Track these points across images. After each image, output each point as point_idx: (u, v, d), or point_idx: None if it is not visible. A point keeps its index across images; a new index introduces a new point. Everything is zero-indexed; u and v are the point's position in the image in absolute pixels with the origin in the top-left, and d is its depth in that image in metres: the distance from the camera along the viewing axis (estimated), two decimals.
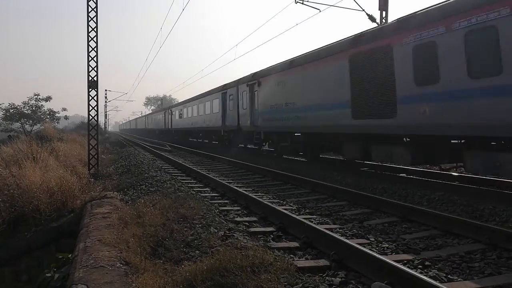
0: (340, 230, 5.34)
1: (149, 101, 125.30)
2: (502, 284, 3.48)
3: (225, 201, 7.54)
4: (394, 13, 38.75)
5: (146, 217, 5.75)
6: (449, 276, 3.67)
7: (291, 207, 6.89)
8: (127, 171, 12.81)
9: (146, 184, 9.50)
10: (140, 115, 79.70)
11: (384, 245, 4.65)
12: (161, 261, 4.27)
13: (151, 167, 12.84)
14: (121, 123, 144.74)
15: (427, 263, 4.00)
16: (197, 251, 4.43)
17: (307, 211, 6.65)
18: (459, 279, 3.63)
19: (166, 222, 5.48)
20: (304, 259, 4.26)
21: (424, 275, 3.45)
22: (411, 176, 9.93)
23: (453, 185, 8.36)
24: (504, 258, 4.16)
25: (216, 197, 7.92)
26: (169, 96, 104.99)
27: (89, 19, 12.63)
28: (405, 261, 4.05)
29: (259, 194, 8.20)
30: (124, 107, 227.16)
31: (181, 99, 47.13)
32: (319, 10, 16.31)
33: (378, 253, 4.10)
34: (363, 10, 16.32)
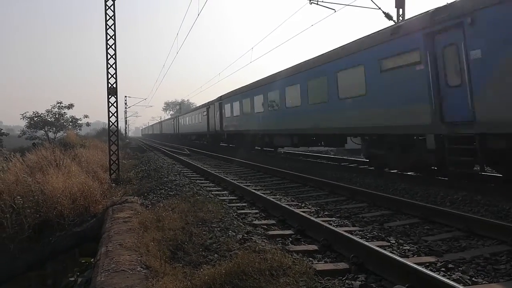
0: (360, 233, 5.27)
1: (167, 106, 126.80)
2: None
3: (243, 204, 7.56)
4: (411, 10, 38.04)
5: (166, 221, 5.82)
6: (473, 278, 3.57)
7: (310, 210, 6.85)
8: (147, 175, 13.00)
9: (166, 188, 9.62)
10: (159, 120, 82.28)
11: (406, 248, 4.56)
12: (181, 265, 4.31)
13: (170, 172, 12.99)
14: (142, 127, 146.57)
15: (450, 265, 3.90)
16: (215, 255, 4.45)
17: (326, 213, 6.60)
18: (484, 281, 3.53)
19: (185, 226, 5.53)
20: (323, 262, 4.22)
21: (447, 278, 3.36)
22: (433, 176, 9.72)
23: (476, 184, 8.14)
24: None
25: (234, 200, 7.95)
26: (187, 100, 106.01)
27: (107, 27, 12.90)
28: (427, 264, 3.96)
29: (277, 196, 8.18)
30: (143, 112, 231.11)
31: (199, 103, 48.73)
32: (334, 10, 16.20)
33: (399, 256, 4.03)
34: (379, 8, 16.13)
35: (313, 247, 4.70)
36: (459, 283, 3.31)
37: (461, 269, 3.82)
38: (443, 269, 3.83)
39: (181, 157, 19.30)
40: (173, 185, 9.94)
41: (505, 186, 7.70)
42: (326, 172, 11.37)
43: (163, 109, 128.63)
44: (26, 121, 35.51)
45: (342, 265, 4.00)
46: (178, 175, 11.98)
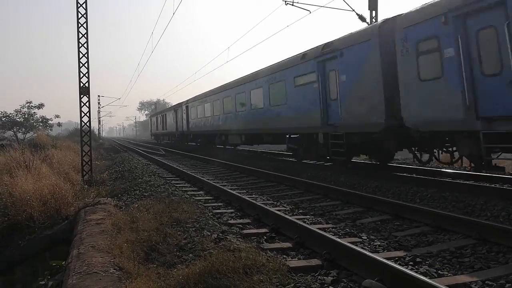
0: (333, 230, 5.37)
1: (142, 106, 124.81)
2: (491, 278, 3.53)
3: (219, 204, 7.55)
4: (384, 13, 39.10)
5: (140, 222, 5.75)
6: (439, 271, 3.72)
7: (285, 208, 6.92)
8: (121, 176, 12.78)
9: (140, 189, 9.49)
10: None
11: (376, 243, 4.69)
12: (155, 266, 4.28)
13: (145, 172, 12.82)
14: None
15: (418, 259, 4.04)
16: (190, 255, 4.44)
17: (300, 211, 6.68)
18: (449, 274, 3.68)
19: (159, 227, 5.48)
20: (296, 259, 4.28)
21: (415, 272, 3.48)
22: (404, 174, 10.02)
23: (445, 181, 8.45)
24: (494, 252, 4.21)
25: (210, 200, 7.93)
26: (163, 100, 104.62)
27: (79, 25, 12.60)
28: (396, 258, 4.09)
29: (253, 196, 8.22)
30: (117, 112, 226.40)
31: (175, 102, 48.63)
32: (309, 11, 16.41)
33: (370, 251, 4.14)
34: (353, 10, 16.44)
35: (287, 244, 4.76)
36: (425, 276, 3.44)
37: (428, 262, 3.97)
38: (411, 263, 3.96)
39: (156, 158, 19.05)
40: (147, 186, 9.82)
41: (473, 184, 8.03)
42: (301, 171, 11.50)
43: (138, 109, 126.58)
44: None
45: (314, 262, 4.07)
46: (153, 176, 11.84)
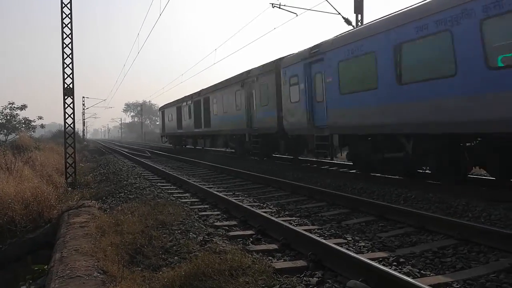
0: (319, 231, 5.41)
1: (128, 107, 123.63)
2: (472, 277, 3.60)
3: (205, 206, 7.53)
4: (369, 16, 39.62)
5: (125, 225, 5.69)
6: (421, 271, 3.77)
7: (271, 210, 6.94)
8: (105, 179, 12.62)
9: (125, 191, 9.39)
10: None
11: (361, 244, 4.74)
12: (140, 269, 4.24)
13: (130, 174, 12.69)
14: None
15: (401, 260, 4.10)
16: (176, 257, 4.41)
17: (286, 213, 6.71)
18: (431, 274, 3.74)
19: (144, 229, 5.42)
20: (282, 260, 4.29)
21: (398, 272, 3.53)
22: (389, 176, 10.14)
23: (429, 183, 8.60)
24: (475, 252, 4.30)
25: (196, 203, 7.90)
26: (149, 102, 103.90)
27: (64, 25, 12.42)
28: (381, 259, 4.14)
29: (240, 198, 8.22)
30: (102, 114, 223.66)
31: (160, 104, 46.28)
32: (296, 14, 16.52)
33: (354, 252, 4.19)
34: (339, 13, 16.65)
35: (273, 246, 4.77)
36: (408, 276, 3.49)
37: (411, 263, 4.03)
38: (394, 263, 4.02)
39: (142, 160, 18.88)
40: (133, 188, 9.72)
41: (455, 185, 8.17)
42: (288, 173, 11.54)
43: (124, 110, 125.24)
44: None
45: (300, 263, 4.09)
46: (138, 178, 11.73)
